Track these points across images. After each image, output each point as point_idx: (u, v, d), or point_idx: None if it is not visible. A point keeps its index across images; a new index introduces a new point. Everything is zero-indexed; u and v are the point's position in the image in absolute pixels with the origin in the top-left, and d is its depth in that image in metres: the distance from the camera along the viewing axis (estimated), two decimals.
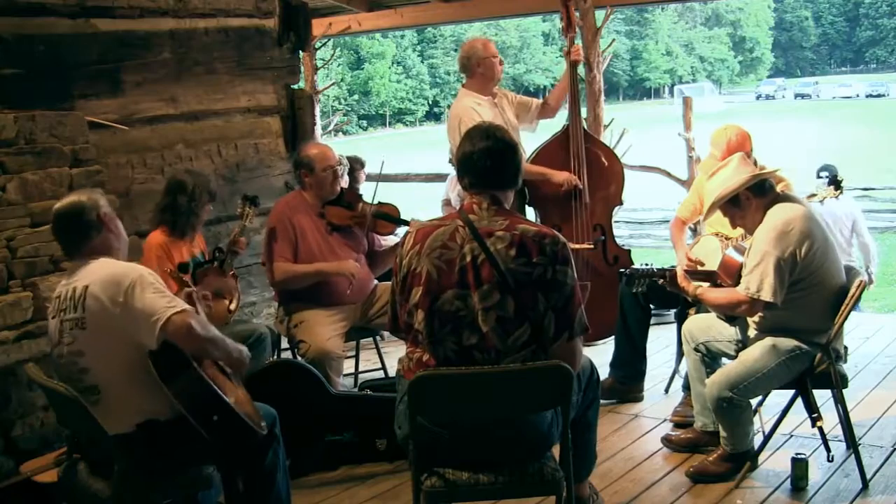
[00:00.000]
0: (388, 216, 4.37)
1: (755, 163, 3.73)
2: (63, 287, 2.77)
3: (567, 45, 4.85)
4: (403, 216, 4.44)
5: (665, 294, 4.03)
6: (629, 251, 5.03)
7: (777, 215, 3.30)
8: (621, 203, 5.02)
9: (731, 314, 3.53)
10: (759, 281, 3.26)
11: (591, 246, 4.77)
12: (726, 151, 3.89)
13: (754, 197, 3.36)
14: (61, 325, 2.73)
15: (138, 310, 2.62)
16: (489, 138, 2.69)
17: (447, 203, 6.52)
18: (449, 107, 4.84)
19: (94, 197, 2.84)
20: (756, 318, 3.44)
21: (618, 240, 5.06)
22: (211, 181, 4.22)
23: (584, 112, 5.22)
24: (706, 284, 3.64)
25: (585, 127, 4.97)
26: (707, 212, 3.59)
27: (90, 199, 2.81)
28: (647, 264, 3.86)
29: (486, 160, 2.68)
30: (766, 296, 3.25)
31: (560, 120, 5.00)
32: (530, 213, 4.94)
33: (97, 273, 2.70)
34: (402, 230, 4.52)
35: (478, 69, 4.66)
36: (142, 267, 2.76)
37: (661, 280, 3.72)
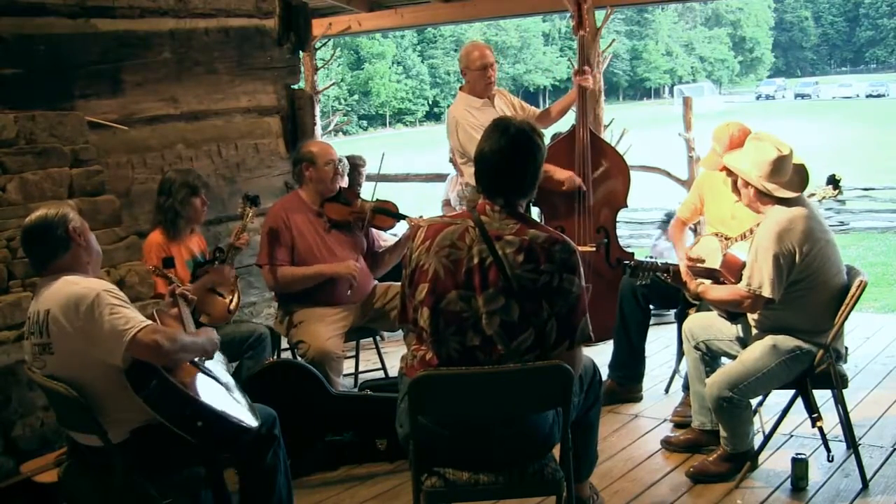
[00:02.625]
0: (386, 211, 4.37)
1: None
2: (32, 307, 2.75)
3: (577, 63, 4.86)
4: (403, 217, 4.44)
5: (666, 293, 4.03)
6: (632, 254, 5.00)
7: (780, 213, 3.30)
8: (625, 206, 5.01)
9: (733, 311, 3.53)
10: (759, 276, 3.27)
11: (593, 248, 4.76)
12: (728, 146, 3.90)
13: (760, 194, 3.37)
14: (32, 349, 2.73)
15: (98, 333, 2.59)
16: (506, 139, 2.60)
17: (447, 203, 6.53)
18: (449, 107, 4.86)
19: (64, 211, 2.79)
20: (757, 317, 3.44)
21: (619, 241, 5.05)
22: (191, 175, 4.17)
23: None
24: (708, 282, 3.64)
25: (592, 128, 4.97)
26: (729, 163, 3.54)
27: (59, 213, 2.77)
28: (651, 257, 3.84)
29: (501, 163, 2.61)
30: (766, 291, 3.25)
31: (569, 119, 5.01)
32: (535, 211, 4.94)
33: (58, 295, 2.66)
34: (401, 226, 4.55)
35: (465, 76, 4.73)
36: (101, 284, 2.71)
37: (665, 274, 3.71)
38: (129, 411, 2.68)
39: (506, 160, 2.61)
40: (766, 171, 3.32)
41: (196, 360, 2.88)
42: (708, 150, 4.07)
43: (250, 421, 2.79)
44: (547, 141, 5.01)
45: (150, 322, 2.67)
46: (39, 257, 2.77)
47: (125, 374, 2.62)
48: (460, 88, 4.81)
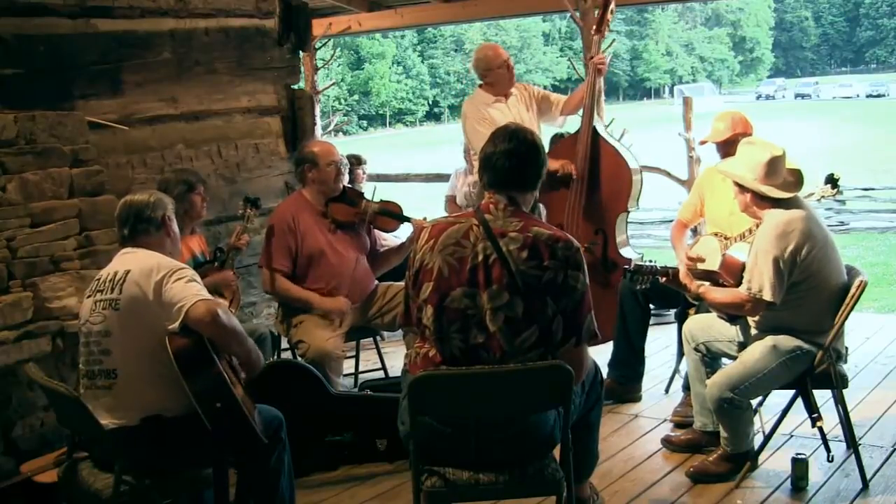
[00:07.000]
0: (390, 213, 4.38)
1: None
2: (106, 270, 2.88)
3: (593, 50, 4.88)
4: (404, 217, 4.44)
5: (665, 293, 4.02)
6: (631, 261, 4.88)
7: (778, 216, 3.31)
8: (627, 211, 4.88)
9: (734, 314, 3.53)
10: (759, 280, 3.27)
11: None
12: (731, 123, 3.99)
13: (757, 198, 3.37)
14: (94, 305, 2.81)
15: (169, 296, 2.71)
16: (512, 140, 2.70)
17: (451, 200, 6.45)
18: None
19: (165, 200, 3.04)
20: (757, 318, 3.44)
21: (618, 245, 4.93)
22: (186, 173, 4.18)
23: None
24: (707, 283, 3.64)
25: (601, 129, 4.91)
26: (723, 170, 3.58)
27: (162, 199, 3.03)
28: (651, 261, 3.84)
29: (506, 161, 2.68)
30: (767, 295, 3.26)
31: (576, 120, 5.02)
32: None
33: (141, 261, 2.82)
34: (404, 227, 4.55)
35: (487, 78, 4.82)
36: (181, 264, 2.88)
37: (664, 277, 3.72)
38: (151, 395, 2.72)
39: (511, 158, 2.68)
40: (760, 174, 3.33)
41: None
42: (710, 129, 4.10)
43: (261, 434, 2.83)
44: (546, 144, 5.06)
45: (219, 300, 2.85)
46: (134, 231, 2.94)
47: (177, 357, 2.65)
48: (479, 86, 4.91)
